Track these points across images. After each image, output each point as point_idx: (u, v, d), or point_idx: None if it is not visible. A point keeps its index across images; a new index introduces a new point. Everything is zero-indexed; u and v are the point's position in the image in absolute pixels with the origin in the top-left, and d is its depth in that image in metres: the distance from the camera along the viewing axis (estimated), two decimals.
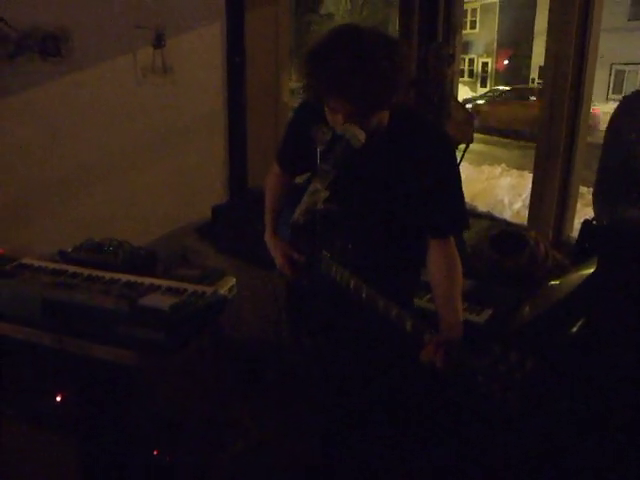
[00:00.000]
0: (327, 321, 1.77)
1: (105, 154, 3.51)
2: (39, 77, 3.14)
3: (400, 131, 1.60)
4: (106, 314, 1.86)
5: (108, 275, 2.13)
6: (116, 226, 3.37)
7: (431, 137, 1.64)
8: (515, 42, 26.58)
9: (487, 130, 14.21)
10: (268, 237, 1.90)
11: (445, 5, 4.02)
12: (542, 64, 3.76)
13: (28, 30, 3.02)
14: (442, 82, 3.63)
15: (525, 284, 2.53)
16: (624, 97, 3.11)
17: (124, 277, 2.12)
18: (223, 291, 2.13)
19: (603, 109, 13.90)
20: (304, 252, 1.71)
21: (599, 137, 3.13)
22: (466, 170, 8.17)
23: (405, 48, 1.51)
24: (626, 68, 21.31)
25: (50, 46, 3.11)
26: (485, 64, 28.75)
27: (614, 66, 21.14)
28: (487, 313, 2.32)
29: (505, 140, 14.43)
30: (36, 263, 2.23)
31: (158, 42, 3.60)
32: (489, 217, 4.41)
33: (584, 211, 4.98)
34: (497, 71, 27.99)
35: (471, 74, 28.58)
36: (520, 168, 9.49)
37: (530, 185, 3.69)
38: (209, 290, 2.05)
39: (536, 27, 23.43)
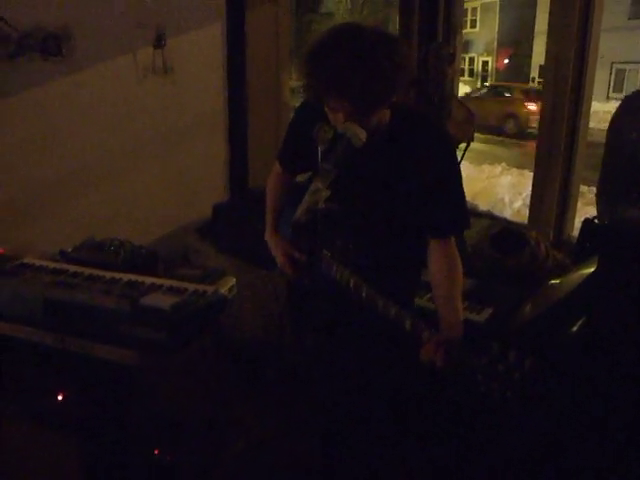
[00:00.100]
0: (328, 320, 1.77)
1: (106, 154, 3.51)
2: (40, 77, 3.14)
3: (401, 130, 1.60)
4: (107, 313, 1.86)
5: (109, 274, 2.13)
6: (117, 225, 3.38)
7: (432, 136, 1.64)
8: (515, 41, 26.57)
9: None
10: (269, 236, 1.90)
11: (445, 4, 4.02)
12: (542, 63, 3.76)
13: (29, 30, 3.02)
14: (442, 81, 3.63)
15: (526, 283, 2.54)
16: (626, 96, 3.11)
17: (125, 276, 2.12)
18: (224, 290, 2.14)
19: (603, 108, 13.99)
20: (305, 251, 1.71)
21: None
22: (466, 169, 8.17)
23: (405, 47, 1.51)
24: (626, 67, 21.30)
25: (51, 46, 3.12)
26: (485, 63, 28.74)
27: (614, 65, 21.13)
28: (487, 312, 2.33)
29: (505, 139, 14.46)
30: (37, 263, 2.23)
31: (158, 42, 3.60)
32: (489, 216, 4.42)
33: (585, 210, 4.98)
34: (497, 70, 27.98)
35: (471, 73, 28.56)
36: (520, 167, 9.50)
37: (530, 184, 3.69)
38: (210, 289, 2.05)
39: (536, 26, 23.43)
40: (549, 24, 3.36)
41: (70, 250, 2.38)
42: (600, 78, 13.99)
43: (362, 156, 1.52)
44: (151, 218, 3.74)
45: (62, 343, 1.87)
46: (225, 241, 3.82)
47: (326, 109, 1.52)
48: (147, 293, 1.98)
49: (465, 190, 1.69)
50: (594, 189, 6.81)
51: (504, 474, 2.14)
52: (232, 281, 2.23)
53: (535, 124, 14.73)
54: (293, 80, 5.37)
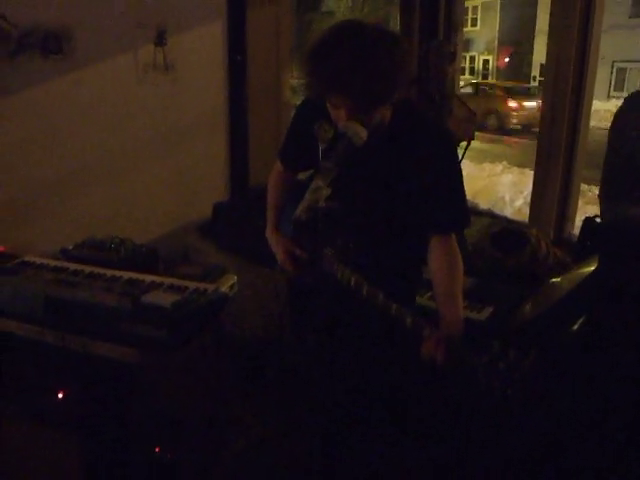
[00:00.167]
0: (328, 319, 1.77)
1: (106, 152, 3.51)
2: (40, 75, 3.14)
3: (402, 128, 1.60)
4: (108, 311, 1.86)
5: (110, 272, 2.13)
6: (117, 224, 3.38)
7: (432, 134, 1.64)
8: (516, 40, 26.55)
9: None
10: (270, 233, 1.90)
11: (446, 2, 4.02)
12: (543, 61, 3.76)
13: (29, 28, 3.02)
14: (443, 80, 3.63)
15: (526, 282, 2.54)
16: (629, 95, 3.11)
17: (126, 274, 2.12)
18: (224, 289, 2.14)
19: (604, 107, 14.02)
20: (306, 249, 1.71)
21: None
22: (467, 167, 8.17)
23: (406, 45, 1.51)
24: (627, 66, 21.28)
25: (51, 44, 3.12)
26: (486, 62, 28.72)
27: (615, 64, 21.13)
28: (488, 311, 2.33)
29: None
30: (38, 260, 2.23)
31: (159, 40, 3.60)
32: (490, 215, 4.42)
33: (585, 209, 4.99)
34: (498, 68, 27.96)
35: (472, 72, 28.54)
36: (521, 166, 9.49)
37: (531, 182, 3.69)
38: (211, 288, 2.05)
39: (537, 25, 23.41)
40: (550, 25, 3.36)
41: (71, 248, 2.38)
42: (601, 77, 13.98)
43: (363, 154, 1.52)
44: (152, 217, 3.74)
45: (63, 341, 1.87)
46: (225, 239, 3.82)
47: (328, 106, 1.52)
48: (148, 291, 1.98)
49: (466, 189, 1.68)
50: (594, 188, 6.83)
51: (504, 474, 2.14)
52: (233, 279, 2.23)
53: (515, 120, 15.25)
54: (294, 78, 5.38)
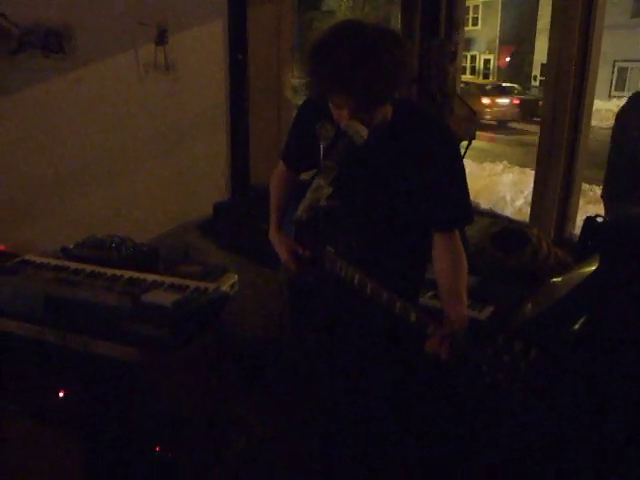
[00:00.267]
0: (329, 319, 1.77)
1: (107, 151, 3.50)
2: (41, 74, 3.14)
3: (403, 126, 1.60)
4: (109, 310, 1.86)
5: (110, 272, 2.13)
6: (118, 223, 3.38)
7: (434, 131, 1.64)
8: (517, 39, 26.55)
9: None
10: (273, 234, 1.89)
11: (447, 2, 4.01)
12: (544, 61, 3.75)
13: (30, 26, 3.02)
14: (444, 79, 3.62)
15: (527, 281, 2.53)
16: (633, 94, 3.11)
17: (126, 274, 2.12)
18: (225, 288, 2.14)
19: (605, 106, 14.09)
20: (309, 248, 1.71)
21: None
22: (468, 167, 8.12)
23: (407, 44, 1.51)
24: (629, 65, 21.28)
25: (52, 43, 3.11)
26: (487, 61, 28.72)
27: (617, 63, 21.12)
28: (489, 310, 2.32)
29: (507, 137, 14.55)
30: (38, 260, 2.23)
31: (160, 39, 3.59)
32: (491, 214, 4.41)
33: (586, 208, 4.99)
34: (499, 68, 27.96)
35: (473, 71, 28.54)
36: (522, 165, 9.49)
37: (532, 182, 3.69)
38: (211, 287, 2.05)
39: (538, 24, 23.41)
40: (551, 20, 3.34)
41: (71, 247, 2.38)
42: (602, 76, 14.02)
43: (364, 153, 1.52)
44: (152, 216, 3.74)
45: (63, 340, 1.87)
46: (226, 238, 3.82)
47: (330, 106, 1.52)
48: (148, 290, 1.98)
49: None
50: (596, 187, 6.82)
51: (504, 473, 2.14)
52: (234, 278, 2.23)
53: (488, 116, 16.07)
54: (295, 78, 5.37)
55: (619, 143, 2.89)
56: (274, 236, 1.88)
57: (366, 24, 1.43)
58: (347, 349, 1.83)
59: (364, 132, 1.46)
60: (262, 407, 2.64)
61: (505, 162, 9.93)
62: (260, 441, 2.44)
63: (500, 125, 16.21)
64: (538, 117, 12.38)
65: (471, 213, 1.69)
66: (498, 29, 27.81)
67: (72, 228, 3.12)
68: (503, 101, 16.77)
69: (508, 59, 27.54)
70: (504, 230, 2.88)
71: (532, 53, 24.93)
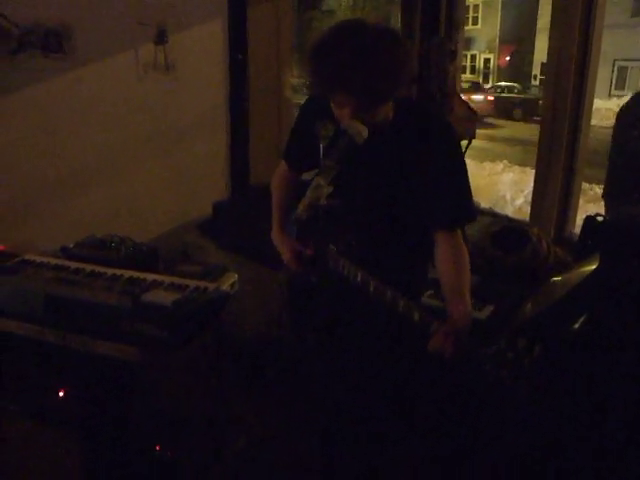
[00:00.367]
0: (332, 317, 1.77)
1: (106, 151, 3.50)
2: (41, 74, 3.14)
3: (404, 124, 1.59)
4: (109, 310, 1.86)
5: (110, 271, 2.13)
6: (118, 222, 3.38)
7: (434, 128, 1.63)
8: (517, 38, 26.54)
9: None
10: (275, 234, 1.89)
11: (447, 1, 4.00)
12: (544, 60, 3.75)
13: (30, 26, 3.01)
14: (444, 78, 3.62)
15: (527, 280, 2.53)
16: (635, 93, 3.10)
17: (126, 273, 2.12)
18: (225, 287, 2.13)
19: (605, 105, 14.10)
20: (310, 247, 1.71)
21: None
22: (468, 166, 8.14)
23: (408, 43, 1.51)
24: (629, 64, 21.28)
25: (52, 42, 3.11)
26: (487, 60, 28.72)
27: (617, 62, 21.12)
28: (489, 309, 2.32)
29: (507, 137, 14.58)
30: (38, 259, 2.23)
31: (160, 39, 3.59)
32: (491, 213, 4.40)
33: (586, 207, 4.98)
34: (499, 67, 27.95)
35: (473, 70, 28.53)
36: (522, 164, 9.50)
37: (532, 181, 3.68)
38: (211, 286, 2.05)
39: (538, 23, 23.41)
40: (552, 19, 3.33)
41: (71, 246, 2.38)
42: (602, 75, 14.02)
43: (364, 152, 1.52)
44: (152, 216, 3.74)
45: (63, 340, 1.87)
46: (226, 238, 3.82)
47: (332, 106, 1.52)
48: (148, 290, 1.98)
49: None
50: (596, 186, 6.81)
51: (504, 472, 2.14)
52: (234, 277, 2.23)
53: None
54: (294, 77, 5.37)
55: (620, 142, 2.88)
56: (276, 236, 1.87)
57: (366, 24, 1.43)
58: (348, 348, 1.82)
59: (364, 131, 1.46)
60: (262, 407, 2.63)
61: (505, 161, 9.94)
62: (260, 441, 2.44)
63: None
64: (538, 116, 12.47)
65: (473, 211, 1.69)
66: (498, 28, 27.80)
67: (72, 228, 3.11)
68: (478, 97, 18.79)
69: (508, 58, 27.54)
70: (504, 229, 2.87)
71: (532, 52, 24.93)
